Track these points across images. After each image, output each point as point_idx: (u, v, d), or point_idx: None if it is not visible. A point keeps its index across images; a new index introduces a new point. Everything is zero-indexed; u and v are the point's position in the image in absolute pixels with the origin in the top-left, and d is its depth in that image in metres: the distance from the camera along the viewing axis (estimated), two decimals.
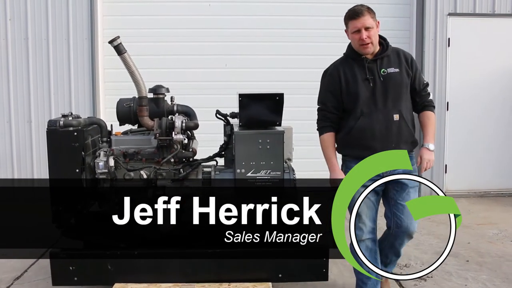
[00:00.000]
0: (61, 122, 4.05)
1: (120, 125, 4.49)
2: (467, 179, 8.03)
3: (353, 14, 3.85)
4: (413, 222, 3.92)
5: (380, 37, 3.95)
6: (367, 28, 3.81)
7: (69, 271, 4.02)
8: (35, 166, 7.46)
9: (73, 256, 4.08)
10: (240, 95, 4.02)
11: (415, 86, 3.95)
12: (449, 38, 7.76)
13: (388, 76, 3.86)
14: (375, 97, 3.85)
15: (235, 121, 4.31)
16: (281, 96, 4.02)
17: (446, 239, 5.78)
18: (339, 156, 4.08)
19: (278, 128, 4.15)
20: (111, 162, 4.10)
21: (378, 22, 3.91)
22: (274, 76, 7.74)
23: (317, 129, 4.05)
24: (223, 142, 4.39)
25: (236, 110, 4.17)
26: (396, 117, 3.83)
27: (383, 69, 3.88)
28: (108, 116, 7.07)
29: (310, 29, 7.86)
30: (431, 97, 4.06)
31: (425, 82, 4.03)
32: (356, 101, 3.87)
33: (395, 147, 3.82)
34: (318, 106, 4.06)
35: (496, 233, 6.18)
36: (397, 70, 3.88)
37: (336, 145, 4.02)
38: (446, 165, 7.94)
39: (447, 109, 7.84)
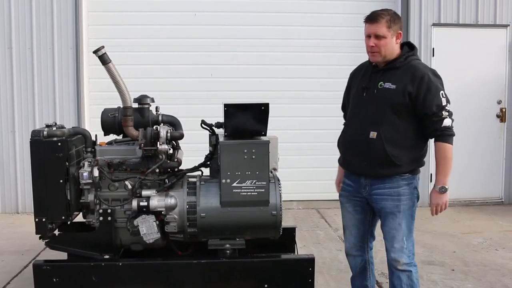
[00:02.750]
0: (45, 132, 4.01)
1: (105, 135, 4.46)
2: (452, 188, 7.96)
3: (369, 18, 3.60)
4: (393, 249, 3.66)
5: (408, 45, 3.72)
6: (377, 36, 3.55)
7: (52, 283, 3.97)
8: (18, 176, 7.39)
9: (57, 267, 4.03)
10: (225, 105, 4.01)
11: (423, 109, 3.53)
12: (433, 48, 7.82)
13: (381, 91, 3.60)
14: (360, 108, 3.71)
15: (220, 131, 4.29)
16: (266, 106, 4.01)
17: (432, 248, 5.84)
18: None
19: (263, 138, 4.14)
20: (96, 173, 4.07)
21: (399, 34, 3.60)
22: (260, 86, 7.76)
23: None
24: (208, 152, 4.37)
25: (222, 120, 4.15)
26: (372, 134, 3.57)
27: (381, 82, 3.61)
28: (93, 126, 7.03)
29: (295, 39, 7.90)
30: (447, 123, 3.56)
31: (442, 104, 3.52)
32: (348, 108, 3.87)
33: (368, 167, 3.64)
34: None
35: (481, 242, 6.21)
36: (393, 86, 3.55)
37: None
38: (431, 174, 7.95)
39: None
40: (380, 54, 3.59)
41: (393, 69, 3.61)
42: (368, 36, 3.60)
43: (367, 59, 3.81)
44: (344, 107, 4.05)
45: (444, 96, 3.54)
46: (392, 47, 3.59)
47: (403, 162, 3.60)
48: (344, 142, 3.81)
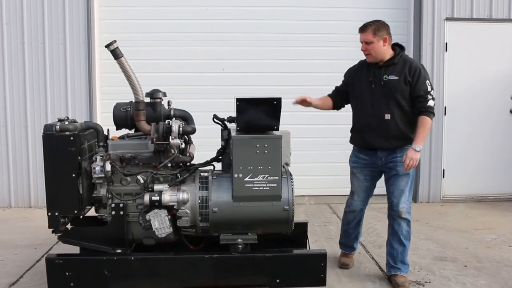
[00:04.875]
0: (57, 127, 4.02)
1: (117, 129, 4.46)
2: (464, 183, 8.02)
3: (360, 28, 4.69)
4: (400, 202, 4.65)
5: (398, 46, 4.73)
6: (366, 42, 4.59)
7: (65, 277, 3.99)
8: (31, 170, 7.42)
9: (69, 261, 4.05)
10: (238, 100, 4.00)
11: (414, 93, 4.56)
12: (446, 43, 7.76)
13: (387, 82, 4.60)
14: (373, 97, 4.65)
15: (232, 126, 4.29)
16: (278, 100, 4.00)
17: (444, 244, 5.80)
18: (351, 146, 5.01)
19: (275, 132, 4.13)
20: (108, 167, 4.08)
21: (385, 38, 4.59)
22: (272, 81, 7.73)
23: None
24: (220, 146, 4.36)
25: (234, 114, 4.15)
26: (387, 116, 4.59)
27: (385, 75, 4.61)
28: (105, 120, 7.05)
29: (307, 34, 7.87)
30: (431, 104, 4.55)
31: (428, 90, 4.56)
32: (358, 98, 4.78)
33: (385, 141, 4.62)
34: None
35: (494, 238, 6.17)
36: (396, 77, 4.58)
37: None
38: (443, 170, 7.93)
39: (445, 114, 7.83)
40: (371, 55, 4.63)
41: (393, 65, 4.62)
42: (361, 42, 4.68)
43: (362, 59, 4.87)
44: (339, 90, 5.05)
45: (429, 84, 4.60)
46: (379, 49, 4.60)
47: (412, 134, 4.60)
48: (361, 125, 4.75)
